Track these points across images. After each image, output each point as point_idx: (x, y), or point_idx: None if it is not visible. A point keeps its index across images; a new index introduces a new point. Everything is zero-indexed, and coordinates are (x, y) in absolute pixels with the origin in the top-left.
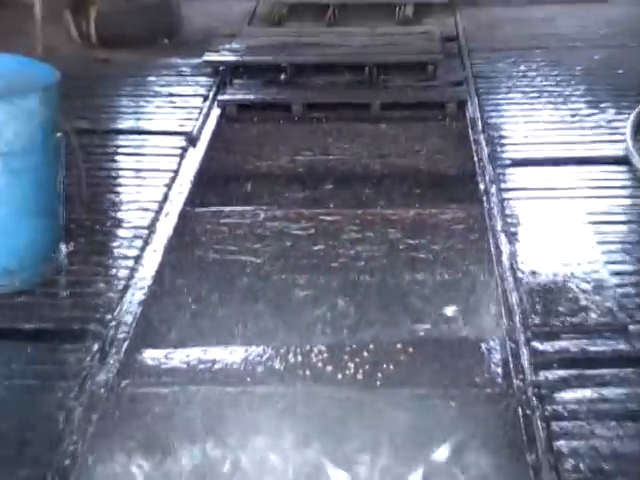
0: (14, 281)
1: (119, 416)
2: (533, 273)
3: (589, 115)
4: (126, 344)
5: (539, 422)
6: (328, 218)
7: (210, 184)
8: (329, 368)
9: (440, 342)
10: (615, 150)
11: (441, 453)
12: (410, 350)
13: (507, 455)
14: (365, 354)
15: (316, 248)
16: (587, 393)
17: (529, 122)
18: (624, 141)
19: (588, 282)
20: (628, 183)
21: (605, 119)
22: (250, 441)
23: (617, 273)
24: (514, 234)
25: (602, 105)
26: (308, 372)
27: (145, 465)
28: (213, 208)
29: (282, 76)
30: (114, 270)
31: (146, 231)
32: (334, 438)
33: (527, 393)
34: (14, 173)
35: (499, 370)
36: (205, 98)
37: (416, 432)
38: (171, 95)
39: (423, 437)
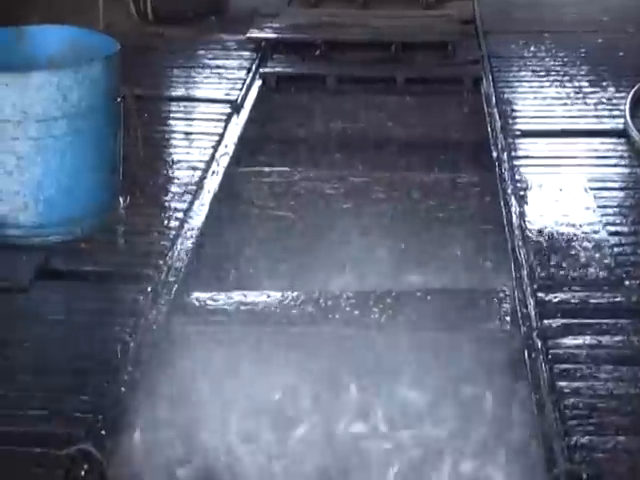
0: (77, 229)
1: (169, 350)
2: (540, 232)
3: (592, 92)
4: (176, 287)
5: (543, 364)
6: (357, 179)
7: (252, 147)
8: (356, 312)
9: (454, 291)
10: (615, 124)
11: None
12: (427, 298)
13: (513, 393)
14: (388, 300)
15: (346, 206)
16: (587, 340)
17: (538, 97)
18: (623, 116)
19: (589, 241)
20: (626, 154)
21: (606, 96)
22: (284, 373)
23: (615, 234)
24: (523, 197)
25: (604, 83)
26: (337, 315)
27: (191, 393)
28: (255, 168)
29: (317, 52)
30: (166, 221)
31: (195, 187)
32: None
33: (533, 338)
34: (78, 132)
35: (508, 318)
36: (248, 70)
37: (430, 369)
38: (218, 67)
39: (435, 373)
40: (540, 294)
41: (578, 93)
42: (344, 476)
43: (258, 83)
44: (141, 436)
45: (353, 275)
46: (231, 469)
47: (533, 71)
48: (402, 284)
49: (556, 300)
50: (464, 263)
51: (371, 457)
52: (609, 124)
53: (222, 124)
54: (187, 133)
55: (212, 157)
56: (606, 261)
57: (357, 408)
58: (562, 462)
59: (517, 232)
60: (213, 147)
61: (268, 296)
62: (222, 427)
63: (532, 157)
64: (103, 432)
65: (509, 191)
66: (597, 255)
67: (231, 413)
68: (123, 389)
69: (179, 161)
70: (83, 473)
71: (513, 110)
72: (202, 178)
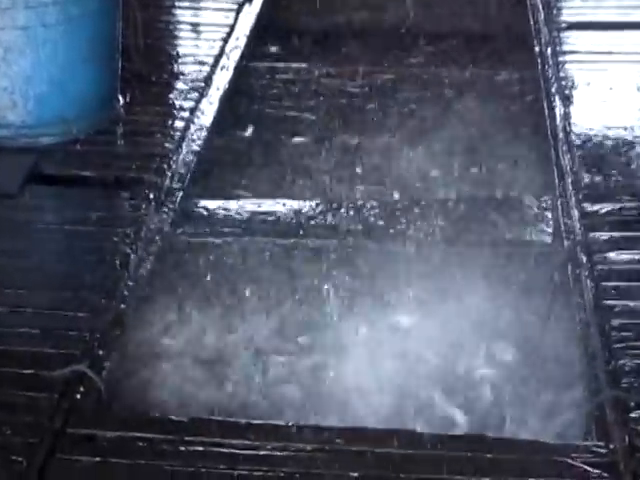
0: (71, 129)
1: (173, 263)
2: (586, 136)
3: None
4: (181, 194)
5: (588, 281)
6: (384, 77)
7: (266, 40)
8: (380, 223)
9: (489, 201)
10: None
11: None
12: (460, 207)
13: (554, 312)
14: (416, 210)
15: (370, 106)
16: (636, 255)
17: None
18: None
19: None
20: None
21: None
22: (299, 288)
23: None
24: (568, 97)
25: None
26: (360, 226)
27: (196, 311)
28: (269, 64)
29: None
30: (170, 121)
31: (202, 84)
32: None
33: (577, 253)
34: (72, 20)
35: (549, 230)
36: None
37: (466, 282)
38: None
39: (472, 287)
40: (585, 204)
41: None
42: None
43: None
44: (141, 355)
45: (377, 184)
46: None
47: None
48: (432, 193)
49: (603, 211)
50: (502, 170)
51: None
52: None
53: (233, 14)
54: (194, 24)
55: (222, 51)
56: None
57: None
58: (607, 388)
59: (561, 136)
60: (223, 39)
61: (284, 205)
62: (228, 338)
63: (579, 52)
64: (100, 352)
65: (553, 90)
66: None
67: (241, 327)
68: (122, 306)
69: (185, 55)
70: (78, 396)
71: None
72: (210, 74)
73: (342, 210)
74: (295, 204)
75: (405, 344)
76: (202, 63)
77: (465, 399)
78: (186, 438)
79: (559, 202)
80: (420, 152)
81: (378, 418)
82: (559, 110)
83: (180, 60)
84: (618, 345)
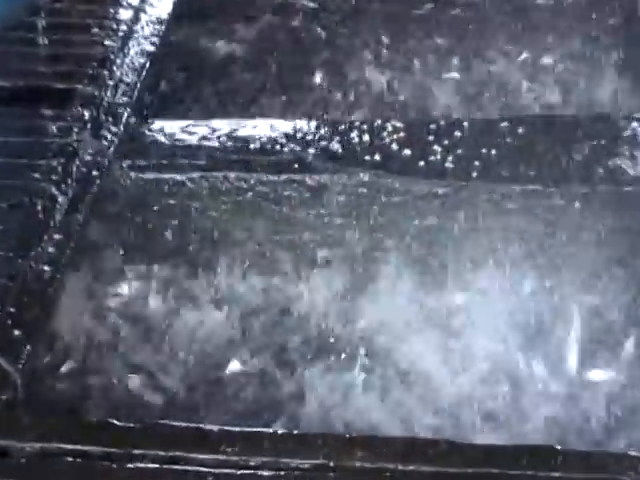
0: None
1: (117, 209)
2: None
3: None
4: (128, 112)
5: None
6: None
7: None
8: (406, 152)
9: (565, 118)
10: None
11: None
12: (518, 131)
13: None
14: (457, 133)
15: None
16: None
17: None
18: None
19: None
20: None
21: None
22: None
23: None
24: None
25: None
26: (377, 157)
27: (147, 277)
28: None
29: None
30: (112, 10)
31: None
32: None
33: None
34: None
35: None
36: None
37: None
38: None
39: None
40: None
41: None
42: None
43: None
44: (72, 339)
45: (400, 94)
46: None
47: None
48: (474, 112)
49: None
50: (583, 76)
51: None
52: None
53: None
54: None
55: None
56: None
57: None
58: None
59: None
60: None
61: (272, 127)
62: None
63: None
64: (16, 333)
65: None
66: None
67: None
68: (46, 268)
69: None
70: None
71: None
72: None
73: (352, 134)
74: (286, 125)
75: None
76: None
77: None
78: (135, 452)
79: None
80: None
81: None
82: None
83: None
84: None
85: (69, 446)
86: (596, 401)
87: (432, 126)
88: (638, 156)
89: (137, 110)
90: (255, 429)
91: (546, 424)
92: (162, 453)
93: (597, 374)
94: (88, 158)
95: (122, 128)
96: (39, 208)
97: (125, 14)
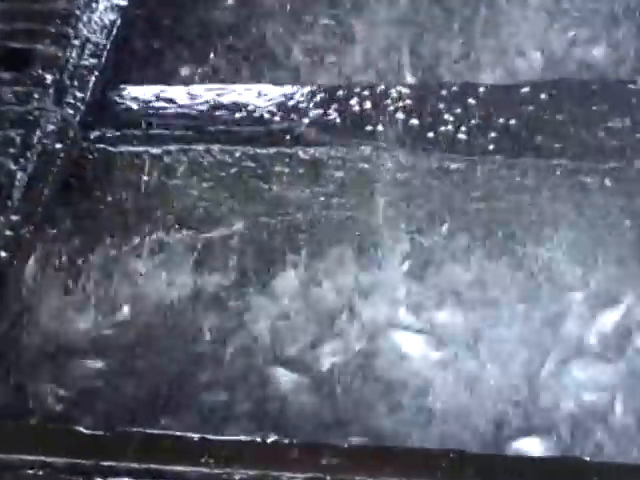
0: None
1: (84, 187)
2: None
3: None
4: (95, 75)
5: None
6: None
7: None
8: (413, 122)
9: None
10: None
11: None
12: (540, 96)
13: None
14: (471, 101)
15: None
16: None
17: None
18: None
19: None
20: None
21: None
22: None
23: None
24: None
25: None
26: (380, 127)
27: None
28: None
29: None
30: None
31: None
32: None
33: None
34: None
35: None
36: None
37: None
38: None
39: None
40: None
41: None
42: None
43: None
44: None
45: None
46: None
47: None
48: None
49: None
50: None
51: None
52: None
53: None
54: None
55: None
56: None
57: None
58: None
59: None
60: None
61: (260, 93)
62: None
63: None
64: None
65: None
66: None
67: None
68: (2, 253)
69: None
70: None
71: None
72: None
73: (351, 101)
74: (276, 91)
75: None
76: None
77: None
78: (104, 463)
79: None
80: None
81: None
82: None
83: None
84: None
85: (26, 457)
86: None
87: (443, 92)
88: None
89: (106, 74)
90: (241, 437)
91: None
92: (136, 465)
93: None
94: (50, 128)
95: (89, 94)
96: None
97: None
